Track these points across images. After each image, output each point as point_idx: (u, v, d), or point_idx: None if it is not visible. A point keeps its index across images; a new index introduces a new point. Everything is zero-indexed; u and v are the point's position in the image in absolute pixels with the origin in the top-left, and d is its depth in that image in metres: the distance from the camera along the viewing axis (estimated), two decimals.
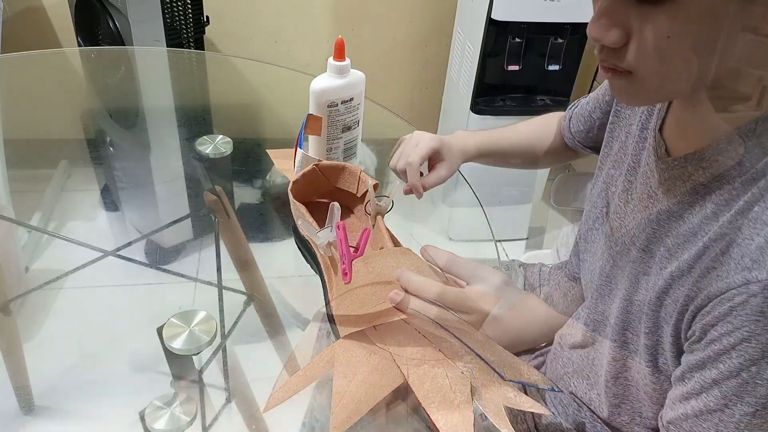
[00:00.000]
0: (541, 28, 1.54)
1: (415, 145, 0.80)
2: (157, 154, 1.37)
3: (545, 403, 0.77)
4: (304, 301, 0.89)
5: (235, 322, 0.97)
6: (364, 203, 0.74)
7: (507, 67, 1.60)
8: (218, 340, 0.82)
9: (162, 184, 1.21)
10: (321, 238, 0.64)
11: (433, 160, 0.82)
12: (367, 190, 0.73)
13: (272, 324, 1.11)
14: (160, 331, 0.60)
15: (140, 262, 0.97)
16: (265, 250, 0.94)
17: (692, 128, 0.56)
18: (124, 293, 1.03)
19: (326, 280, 0.68)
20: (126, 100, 1.52)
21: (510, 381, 0.62)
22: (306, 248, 0.72)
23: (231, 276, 1.07)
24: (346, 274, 0.64)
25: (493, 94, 1.66)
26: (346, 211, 0.80)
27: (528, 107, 1.64)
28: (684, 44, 0.46)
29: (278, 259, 0.97)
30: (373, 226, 0.73)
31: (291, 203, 0.73)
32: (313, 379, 0.60)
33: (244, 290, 1.08)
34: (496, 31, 1.55)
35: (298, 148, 0.76)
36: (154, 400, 0.59)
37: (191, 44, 1.48)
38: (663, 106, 0.61)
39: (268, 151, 0.87)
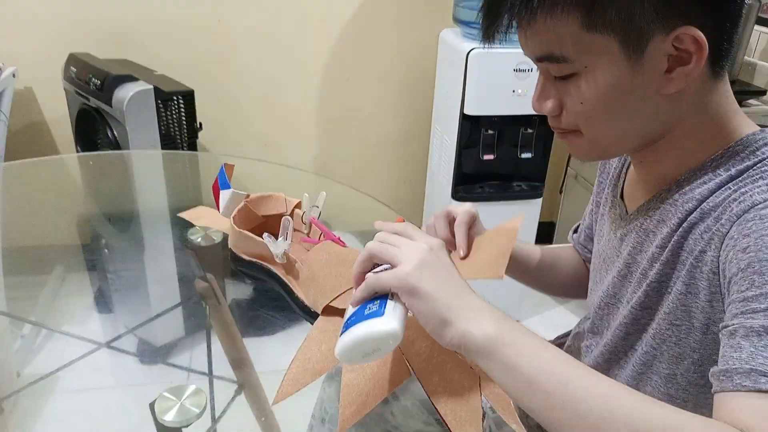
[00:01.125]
0: (511, 120, 1.65)
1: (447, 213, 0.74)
2: (150, 253, 1.41)
3: None
4: None
5: (224, 410, 0.98)
6: (298, 219, 0.86)
7: (482, 157, 1.70)
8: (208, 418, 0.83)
9: (154, 282, 1.23)
10: (279, 246, 0.75)
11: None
12: (293, 207, 0.86)
13: (265, 414, 1.11)
14: (152, 405, 0.62)
15: (132, 353, 0.99)
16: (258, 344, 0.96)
17: (641, 185, 0.64)
18: (115, 393, 1.04)
19: (287, 283, 0.77)
20: (122, 204, 1.58)
21: None
22: (255, 268, 0.81)
23: (224, 365, 1.08)
24: (342, 241, 0.77)
25: (471, 182, 1.74)
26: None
27: (505, 192, 1.72)
28: (597, 109, 0.56)
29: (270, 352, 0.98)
30: (308, 234, 0.84)
31: (234, 234, 0.82)
32: (321, 373, 0.61)
33: (236, 380, 1.09)
34: (470, 125, 1.66)
35: (225, 190, 0.84)
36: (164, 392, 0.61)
37: (185, 149, 1.57)
38: (621, 174, 0.70)
39: (181, 214, 0.95)
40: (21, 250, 1.87)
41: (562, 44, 0.53)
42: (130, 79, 1.43)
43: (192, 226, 0.95)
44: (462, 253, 0.71)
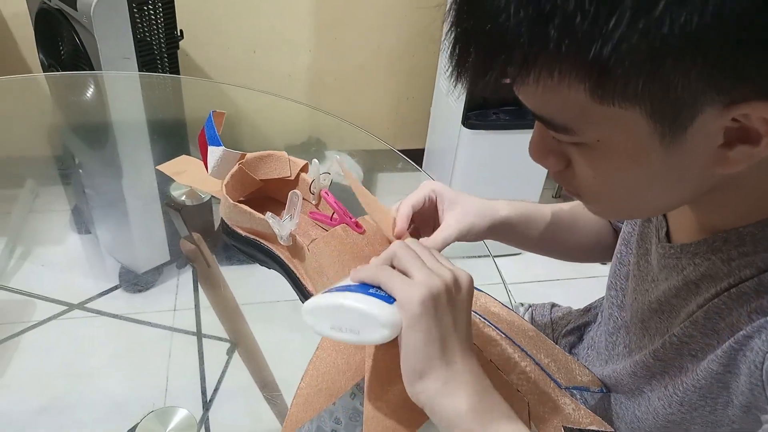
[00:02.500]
0: None
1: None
2: (129, 175, 1.29)
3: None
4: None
5: (222, 373, 0.90)
6: (305, 186, 0.71)
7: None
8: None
9: (135, 204, 1.14)
10: (285, 227, 0.61)
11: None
12: (299, 171, 0.71)
13: (259, 372, 1.04)
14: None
15: (113, 315, 0.88)
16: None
17: (692, 218, 0.50)
18: (99, 329, 0.94)
19: (293, 269, 0.64)
20: (94, 120, 1.42)
21: (566, 389, 0.56)
22: (252, 246, 0.68)
23: (213, 323, 0.99)
24: (359, 226, 0.61)
25: (485, 107, 1.58)
26: (279, 202, 0.74)
27: (522, 120, 1.56)
28: (615, 187, 0.41)
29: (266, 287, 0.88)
30: (317, 205, 0.70)
31: (228, 206, 0.67)
32: (338, 393, 0.52)
33: (228, 338, 1.00)
34: None
35: (216, 147, 0.68)
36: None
37: (165, 59, 1.38)
38: None
39: (159, 167, 0.79)
40: None
41: (565, 112, 0.37)
42: None
43: (175, 154, 0.80)
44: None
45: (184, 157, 0.79)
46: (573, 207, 0.72)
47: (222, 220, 0.69)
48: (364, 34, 1.86)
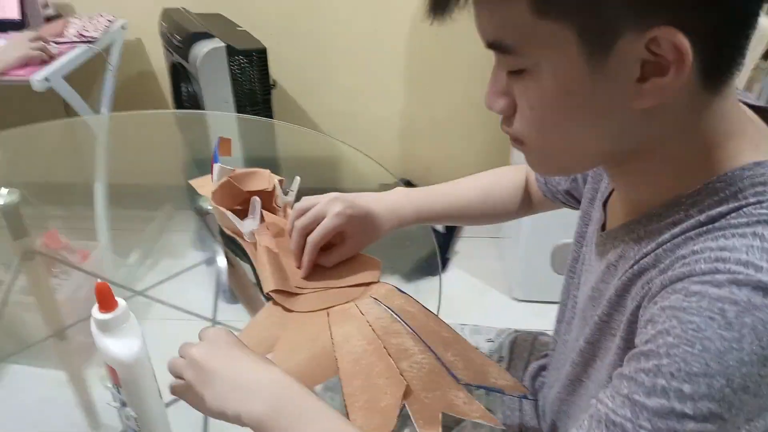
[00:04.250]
0: None
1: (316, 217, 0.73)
2: None
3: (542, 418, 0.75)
4: None
5: None
6: (274, 198, 0.84)
7: None
8: None
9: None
10: (246, 226, 0.76)
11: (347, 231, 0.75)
12: (274, 186, 0.84)
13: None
14: None
15: (161, 301, 1.07)
16: None
17: (623, 205, 0.55)
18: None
19: (254, 263, 0.77)
20: (204, 156, 1.69)
21: (466, 385, 0.61)
22: (235, 244, 0.82)
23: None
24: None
25: None
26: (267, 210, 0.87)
27: None
28: (546, 118, 0.45)
29: None
30: (285, 216, 0.83)
31: (213, 209, 0.83)
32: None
33: None
34: None
35: (214, 163, 0.85)
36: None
37: (259, 105, 1.62)
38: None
39: (190, 181, 0.97)
40: (131, 187, 2.08)
41: (510, 31, 0.42)
42: (206, 36, 1.49)
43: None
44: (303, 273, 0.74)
45: (209, 175, 0.98)
46: (483, 182, 0.81)
47: (219, 226, 0.86)
48: (453, 86, 1.98)
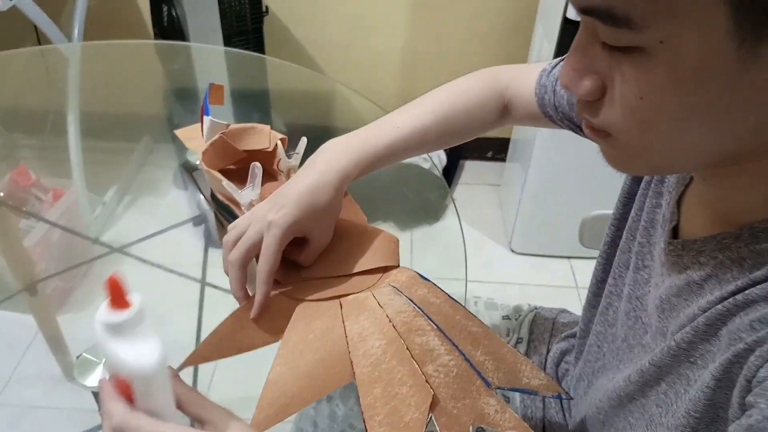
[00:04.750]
0: None
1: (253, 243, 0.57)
2: None
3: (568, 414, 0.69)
4: None
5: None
6: (276, 160, 0.73)
7: None
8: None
9: None
10: (244, 197, 0.65)
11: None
12: (275, 146, 0.73)
13: None
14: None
15: (144, 260, 0.98)
16: None
17: (708, 209, 0.45)
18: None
19: None
20: (186, 86, 1.56)
21: (498, 389, 0.55)
22: (228, 212, 0.71)
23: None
24: None
25: None
26: (267, 173, 0.76)
27: None
28: (664, 111, 0.35)
29: None
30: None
31: (205, 173, 0.71)
32: (246, 349, 0.54)
33: None
34: (572, 32, 1.39)
35: (206, 117, 0.72)
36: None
37: (251, 34, 1.47)
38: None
39: (176, 132, 0.83)
40: (108, 116, 1.94)
41: None
42: None
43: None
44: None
45: (198, 124, 0.85)
46: (451, 105, 0.67)
47: (210, 188, 0.75)
48: (460, 18, 1.83)
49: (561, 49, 1.43)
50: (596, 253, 0.65)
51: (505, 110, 0.71)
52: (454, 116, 0.67)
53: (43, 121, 1.91)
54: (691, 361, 0.43)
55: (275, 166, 0.72)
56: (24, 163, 1.51)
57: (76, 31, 1.47)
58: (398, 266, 0.66)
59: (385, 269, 0.65)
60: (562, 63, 0.41)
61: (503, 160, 1.96)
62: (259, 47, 1.50)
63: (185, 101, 1.67)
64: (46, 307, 1.15)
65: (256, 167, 0.66)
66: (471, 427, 0.53)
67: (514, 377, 0.57)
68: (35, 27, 1.84)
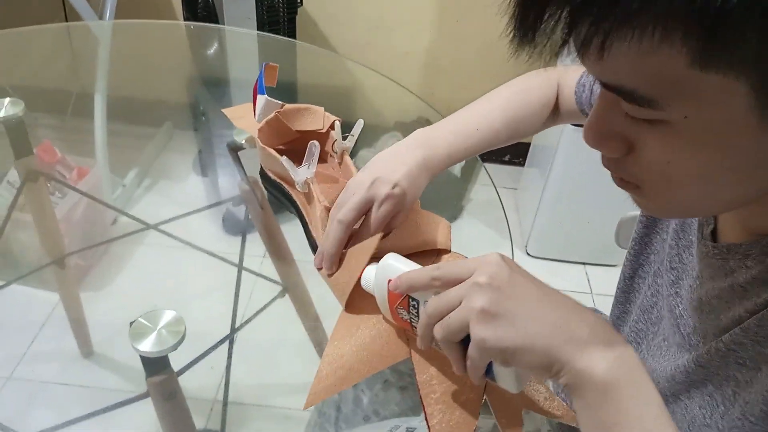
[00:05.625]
0: None
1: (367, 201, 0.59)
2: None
3: None
4: None
5: (261, 309, 0.97)
6: (331, 142, 0.73)
7: None
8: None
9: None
10: (300, 174, 0.66)
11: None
12: (329, 127, 0.73)
13: (308, 317, 1.10)
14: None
15: (177, 238, 0.98)
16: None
17: (749, 210, 0.45)
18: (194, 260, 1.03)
19: (305, 216, 0.68)
20: (217, 74, 1.56)
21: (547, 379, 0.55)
22: (279, 190, 0.73)
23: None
24: None
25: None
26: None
27: None
28: (690, 175, 0.37)
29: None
30: (340, 164, 0.72)
31: (259, 149, 0.72)
32: (359, 377, 0.54)
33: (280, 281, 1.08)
34: None
35: (261, 95, 0.73)
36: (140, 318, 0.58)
37: (285, 23, 1.48)
38: None
39: (224, 111, 0.84)
40: (133, 101, 1.94)
41: (655, 83, 0.33)
42: None
43: None
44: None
45: (247, 104, 0.86)
46: (516, 114, 0.70)
47: (260, 166, 0.75)
48: (487, 21, 1.84)
49: None
50: (613, 261, 0.67)
51: (555, 108, 0.73)
52: (521, 116, 0.70)
53: (66, 101, 1.91)
54: (740, 362, 0.43)
55: (326, 148, 0.73)
56: (47, 139, 1.51)
57: (108, 10, 1.47)
58: (450, 251, 0.66)
59: (438, 252, 0.66)
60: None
61: (521, 164, 1.98)
62: (292, 36, 1.51)
63: (213, 88, 1.68)
64: (70, 283, 1.15)
65: (314, 146, 0.66)
66: (521, 413, 0.54)
67: None
68: (63, 3, 1.84)
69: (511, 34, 0.36)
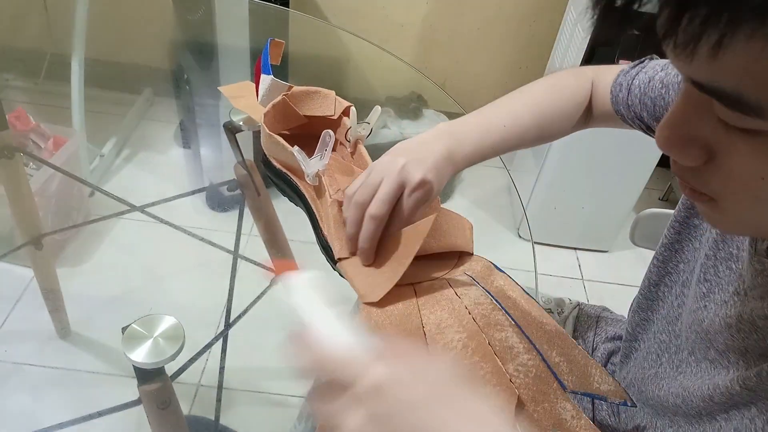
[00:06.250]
0: None
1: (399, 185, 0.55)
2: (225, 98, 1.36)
3: (618, 417, 0.66)
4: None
5: (254, 301, 0.92)
6: (345, 130, 0.67)
7: (617, 62, 1.40)
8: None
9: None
10: (312, 166, 0.60)
11: None
12: (342, 111, 0.68)
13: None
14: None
15: (165, 221, 0.92)
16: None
17: None
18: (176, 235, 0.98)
19: (314, 210, 0.63)
20: (204, 41, 1.48)
21: (572, 393, 0.52)
22: (284, 181, 0.67)
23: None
24: None
25: None
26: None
27: None
28: None
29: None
30: (353, 153, 0.67)
31: (265, 136, 0.66)
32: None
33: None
34: (612, 19, 1.35)
35: (266, 75, 0.66)
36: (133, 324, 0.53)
37: None
38: None
39: (220, 88, 0.78)
40: (112, 65, 1.84)
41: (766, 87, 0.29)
42: None
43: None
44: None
45: (247, 82, 0.79)
46: (543, 112, 0.66)
47: (262, 152, 0.69)
48: None
49: (596, 37, 1.39)
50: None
51: (588, 109, 0.69)
52: (552, 116, 0.66)
53: (40, 63, 1.80)
54: None
55: (337, 136, 0.67)
56: (20, 105, 1.41)
57: None
58: (472, 254, 0.62)
59: (459, 255, 0.61)
60: (639, 78, 0.36)
61: None
62: (285, 5, 1.42)
63: (198, 55, 1.59)
64: (48, 261, 1.08)
65: (328, 135, 0.61)
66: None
67: (586, 381, 0.54)
68: None
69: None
